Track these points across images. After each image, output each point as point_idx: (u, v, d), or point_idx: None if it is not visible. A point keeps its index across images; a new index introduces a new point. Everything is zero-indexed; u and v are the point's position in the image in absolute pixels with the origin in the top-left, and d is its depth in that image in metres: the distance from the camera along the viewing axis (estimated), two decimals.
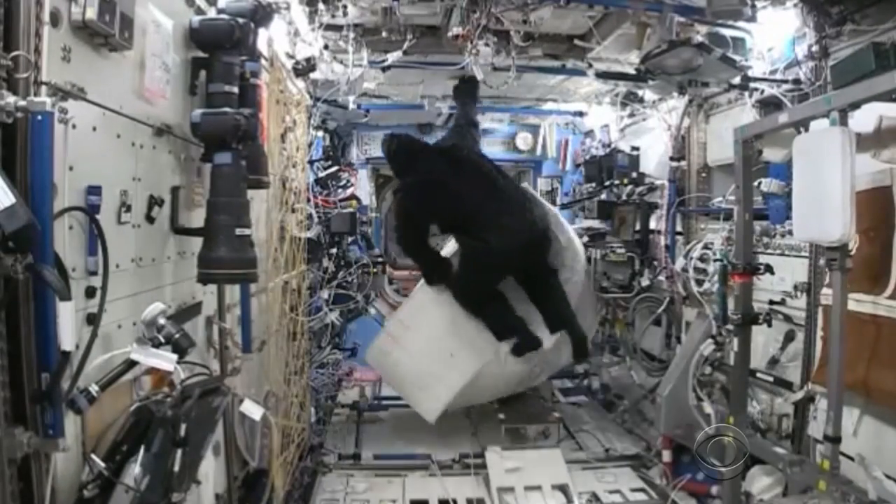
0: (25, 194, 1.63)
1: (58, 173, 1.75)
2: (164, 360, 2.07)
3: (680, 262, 5.10)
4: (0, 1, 1.63)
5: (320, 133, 6.14)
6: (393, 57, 4.62)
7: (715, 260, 4.58)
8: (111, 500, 1.91)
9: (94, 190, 1.99)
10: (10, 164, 1.63)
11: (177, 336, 2.19)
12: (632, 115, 6.24)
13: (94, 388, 1.86)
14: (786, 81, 4.03)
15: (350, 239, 6.41)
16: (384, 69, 4.78)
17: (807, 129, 3.20)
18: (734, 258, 3.69)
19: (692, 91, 4.73)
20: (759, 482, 3.81)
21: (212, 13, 2.85)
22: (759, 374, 4.11)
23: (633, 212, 5.96)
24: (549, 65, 5.06)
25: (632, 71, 4.62)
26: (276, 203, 3.83)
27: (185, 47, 2.71)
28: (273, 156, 3.59)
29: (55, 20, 1.77)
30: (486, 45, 4.18)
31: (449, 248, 5.03)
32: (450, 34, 3.97)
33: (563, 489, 4.49)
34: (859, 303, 3.11)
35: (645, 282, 5.76)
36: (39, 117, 1.63)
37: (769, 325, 3.84)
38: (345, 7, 4.08)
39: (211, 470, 2.85)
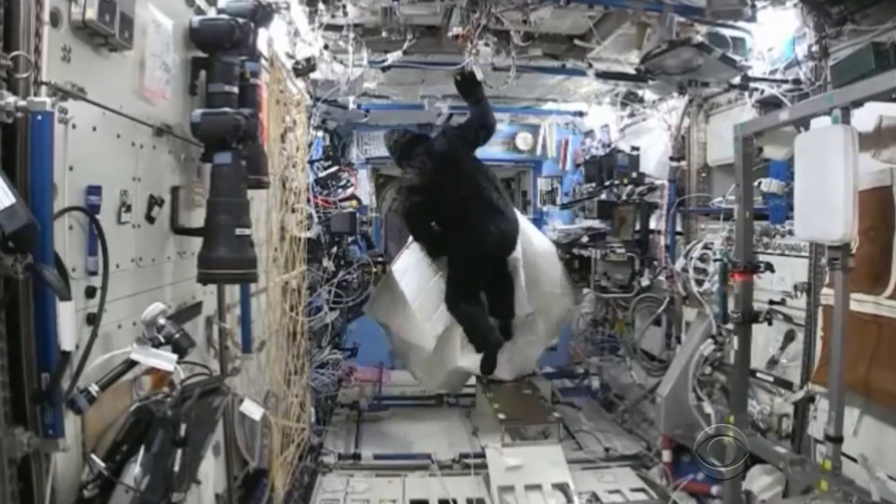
0: (25, 194, 1.63)
1: (58, 173, 1.75)
2: (164, 360, 2.07)
3: (680, 262, 5.10)
4: (0, 1, 1.63)
5: (320, 133, 6.14)
6: (393, 57, 4.62)
7: (715, 260, 4.58)
8: (111, 500, 1.91)
9: (94, 190, 1.99)
10: (10, 164, 1.63)
11: (177, 336, 2.19)
12: (632, 115, 6.25)
13: (94, 388, 1.86)
14: (786, 81, 4.03)
15: (350, 239, 6.41)
16: (384, 69, 4.78)
17: (807, 128, 3.19)
18: (734, 256, 3.69)
19: (692, 91, 4.73)
20: (760, 481, 3.81)
21: (212, 13, 2.85)
22: (759, 374, 4.11)
23: (633, 212, 5.96)
24: (549, 65, 5.06)
25: (632, 71, 4.62)
26: (276, 203, 3.83)
27: (185, 47, 2.71)
28: (273, 156, 3.59)
29: (55, 20, 1.77)
30: (486, 45, 4.18)
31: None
32: (450, 34, 3.97)
33: (563, 489, 4.49)
34: (860, 303, 3.11)
35: (645, 282, 5.76)
36: (39, 117, 1.63)
37: (769, 324, 3.84)
38: (344, 7, 4.08)
39: (211, 470, 2.85)
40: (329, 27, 4.28)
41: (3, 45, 1.64)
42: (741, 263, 3.55)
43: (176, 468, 2.03)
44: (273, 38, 3.48)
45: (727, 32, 4.01)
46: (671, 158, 5.44)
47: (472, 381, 6.51)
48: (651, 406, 5.70)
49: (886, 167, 3.09)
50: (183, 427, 2.04)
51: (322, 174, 5.89)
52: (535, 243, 5.91)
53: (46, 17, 1.73)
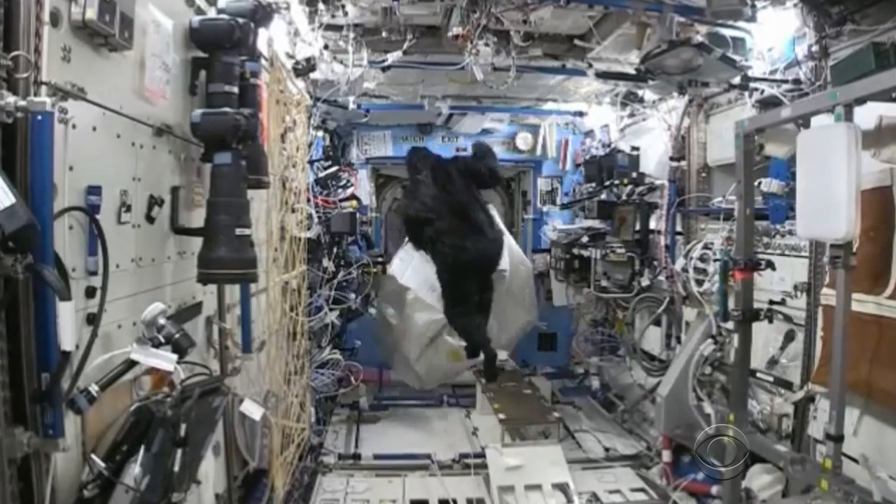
0: (25, 194, 1.63)
1: (58, 173, 1.75)
2: (164, 360, 2.07)
3: (680, 262, 5.10)
4: (0, 1, 1.63)
5: (320, 133, 6.14)
6: (393, 57, 4.63)
7: (715, 260, 4.59)
8: (111, 500, 1.91)
9: (94, 190, 1.99)
10: (10, 164, 1.63)
11: (177, 336, 2.19)
12: (632, 115, 6.24)
13: (94, 388, 1.86)
14: (786, 81, 4.03)
15: (350, 239, 6.41)
16: (384, 69, 4.79)
17: (808, 126, 3.19)
18: (735, 254, 3.68)
19: (692, 91, 4.73)
20: (760, 479, 3.81)
21: (212, 13, 2.85)
22: (759, 374, 4.11)
23: (633, 212, 5.95)
24: (549, 65, 5.06)
25: (632, 71, 4.62)
26: (276, 203, 3.83)
27: (185, 47, 2.71)
28: (273, 156, 3.59)
29: (55, 20, 1.77)
30: (486, 45, 4.18)
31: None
32: (450, 34, 3.96)
33: (563, 489, 4.49)
34: (861, 303, 3.10)
35: (645, 282, 5.76)
36: (39, 117, 1.63)
37: (770, 321, 3.84)
38: (343, 6, 4.08)
39: (211, 470, 2.85)
40: (329, 27, 4.28)
41: (3, 45, 1.64)
42: (742, 261, 3.54)
43: (176, 468, 2.03)
44: (273, 38, 3.48)
45: (727, 32, 4.01)
46: (671, 158, 5.44)
47: (472, 380, 6.53)
48: (651, 406, 5.70)
49: (886, 167, 3.09)
50: (183, 427, 2.05)
51: (322, 174, 5.88)
52: (515, 261, 6.44)
53: (46, 17, 1.73)
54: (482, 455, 4.82)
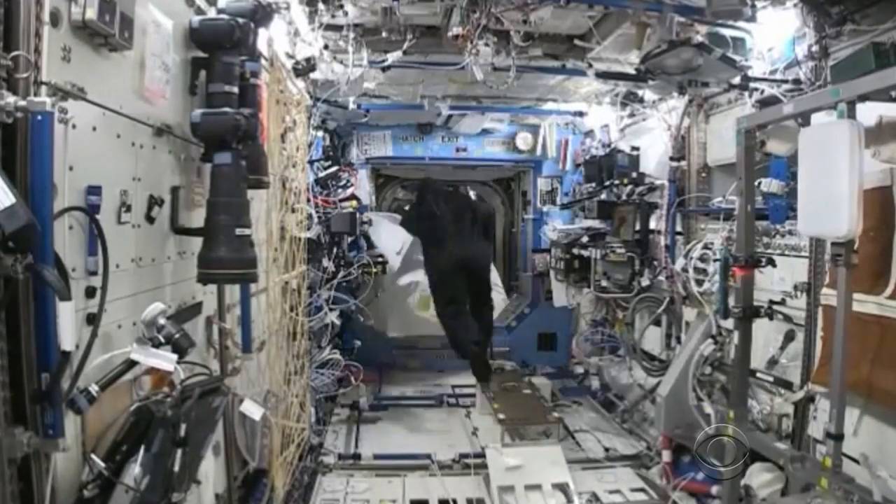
0: (25, 194, 1.63)
1: (58, 173, 1.75)
2: (164, 360, 2.07)
3: (680, 262, 5.10)
4: (1, 1, 1.63)
5: (320, 133, 6.14)
6: (393, 57, 4.63)
7: (715, 260, 4.59)
8: (111, 500, 1.91)
9: (94, 190, 1.99)
10: (10, 164, 1.63)
11: (177, 336, 2.19)
12: (632, 115, 6.24)
13: (94, 388, 1.86)
14: (786, 81, 4.03)
15: (350, 239, 6.41)
16: (384, 69, 4.79)
17: (807, 125, 3.18)
18: (736, 251, 3.68)
19: (692, 91, 4.73)
20: (759, 477, 3.81)
21: (212, 13, 2.85)
22: (759, 374, 4.11)
23: (633, 212, 5.96)
24: (549, 65, 5.06)
25: (632, 71, 4.62)
26: (276, 203, 3.83)
27: (185, 47, 2.71)
28: (273, 156, 3.59)
29: (55, 20, 1.77)
30: (486, 45, 4.17)
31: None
32: (450, 34, 3.96)
33: (563, 489, 4.48)
34: (862, 303, 3.10)
35: (645, 282, 5.77)
36: (39, 117, 1.63)
37: (770, 318, 3.83)
38: (341, 6, 4.08)
39: (211, 470, 2.85)
40: (329, 27, 4.28)
41: (3, 45, 1.63)
42: (742, 257, 3.54)
43: (176, 468, 2.03)
44: (273, 38, 3.48)
45: (727, 32, 4.01)
46: (671, 158, 5.44)
47: (472, 380, 6.54)
48: (651, 406, 5.70)
49: (887, 167, 3.09)
50: (183, 427, 2.04)
51: (322, 174, 5.89)
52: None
53: (46, 17, 1.73)
54: (482, 455, 4.82)
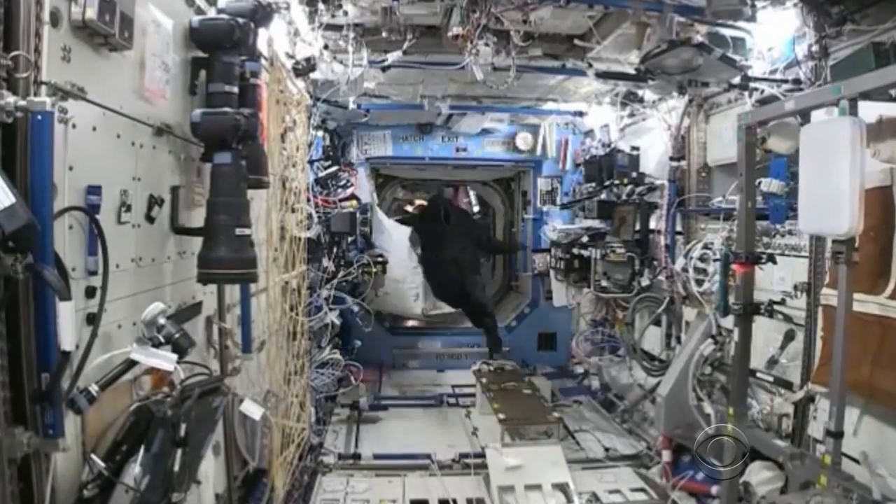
0: (25, 194, 1.63)
1: (58, 173, 1.75)
2: (164, 360, 2.07)
3: (680, 262, 5.10)
4: (1, 1, 1.63)
5: (320, 133, 6.14)
6: (393, 57, 4.62)
7: (715, 260, 4.59)
8: (111, 500, 1.91)
9: (94, 190, 1.99)
10: (10, 164, 1.63)
11: (177, 336, 2.19)
12: (632, 115, 6.24)
13: (94, 388, 1.86)
14: (786, 81, 4.03)
15: (350, 239, 6.41)
16: (384, 69, 4.78)
17: (808, 121, 3.18)
18: (736, 248, 3.68)
19: (692, 91, 4.73)
20: (759, 475, 3.80)
21: (212, 13, 2.85)
22: (759, 374, 4.11)
23: (633, 212, 5.95)
24: (549, 65, 5.06)
25: (632, 71, 4.62)
26: (276, 203, 3.83)
27: (185, 47, 2.71)
28: (273, 156, 3.59)
29: (55, 20, 1.78)
30: (486, 45, 4.17)
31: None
32: (450, 34, 3.96)
33: (563, 489, 4.48)
34: (863, 303, 3.10)
35: (645, 282, 5.76)
36: (39, 117, 1.63)
37: (770, 316, 3.82)
38: (341, 5, 4.08)
39: (211, 470, 2.85)
40: (329, 27, 4.28)
41: (3, 45, 1.64)
42: (743, 254, 3.53)
43: (176, 468, 2.03)
44: (273, 38, 3.48)
45: (727, 32, 4.01)
46: (671, 158, 5.44)
47: (472, 380, 6.54)
48: (651, 406, 5.70)
49: (887, 167, 3.09)
50: (183, 427, 2.05)
51: (322, 174, 5.89)
52: None
53: (46, 17, 1.73)
54: (482, 455, 4.82)
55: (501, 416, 5.37)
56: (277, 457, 3.77)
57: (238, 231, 2.57)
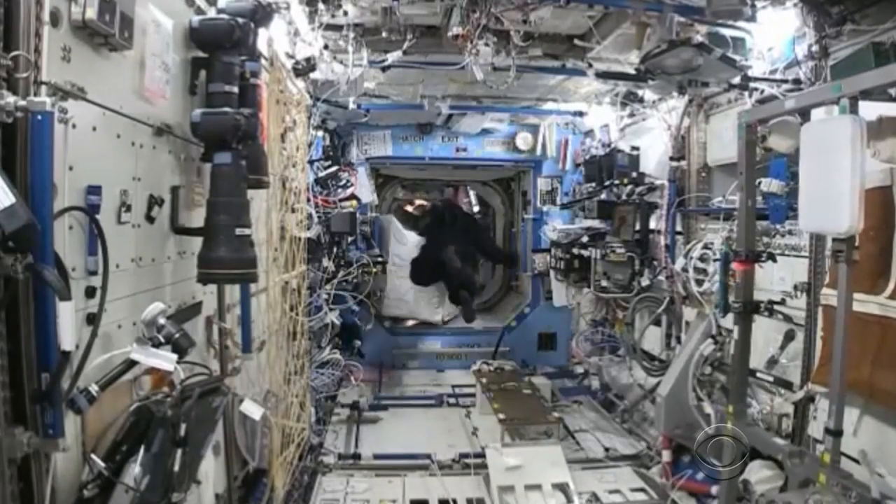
0: (25, 194, 1.63)
1: (58, 173, 1.75)
2: (164, 360, 2.07)
3: (680, 262, 5.10)
4: (1, 1, 1.63)
5: (320, 133, 6.14)
6: (393, 57, 4.62)
7: (715, 260, 4.59)
8: (111, 500, 1.91)
9: (94, 190, 1.99)
10: (10, 164, 1.63)
11: (177, 336, 2.19)
12: (632, 115, 6.24)
13: (94, 388, 1.86)
14: (786, 81, 4.03)
15: (350, 238, 6.42)
16: (384, 69, 4.78)
17: (809, 120, 3.17)
18: (736, 246, 3.68)
19: (692, 91, 4.72)
20: (759, 473, 3.80)
21: (212, 13, 2.85)
22: (759, 374, 4.11)
23: (633, 212, 5.95)
24: (549, 65, 5.06)
25: (632, 71, 4.62)
26: (276, 203, 3.83)
27: (185, 47, 2.71)
28: (273, 156, 3.59)
29: (55, 20, 1.78)
30: (486, 45, 4.17)
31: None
32: (450, 34, 3.96)
33: (563, 489, 4.48)
34: (863, 303, 3.10)
35: (645, 282, 5.76)
36: (39, 117, 1.63)
37: (770, 314, 3.81)
38: (340, 5, 4.08)
39: (211, 470, 2.85)
40: (329, 27, 4.28)
41: (3, 45, 1.64)
42: (743, 252, 3.53)
43: (176, 468, 2.03)
44: (273, 38, 3.48)
45: (727, 32, 4.00)
46: (671, 158, 5.44)
47: (472, 380, 6.54)
48: (651, 406, 5.70)
49: (887, 167, 3.09)
50: (183, 427, 2.05)
51: (322, 174, 5.89)
52: None
53: (46, 17, 1.73)
54: (482, 455, 4.81)
55: (501, 416, 5.37)
56: (277, 457, 3.77)
57: (238, 231, 2.57)
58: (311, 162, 5.51)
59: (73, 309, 1.71)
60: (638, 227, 5.89)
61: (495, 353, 7.68)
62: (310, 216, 5.04)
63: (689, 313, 5.21)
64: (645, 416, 5.88)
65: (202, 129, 2.62)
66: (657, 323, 5.69)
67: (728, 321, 4.25)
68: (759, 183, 3.93)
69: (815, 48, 3.71)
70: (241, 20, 2.71)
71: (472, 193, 10.62)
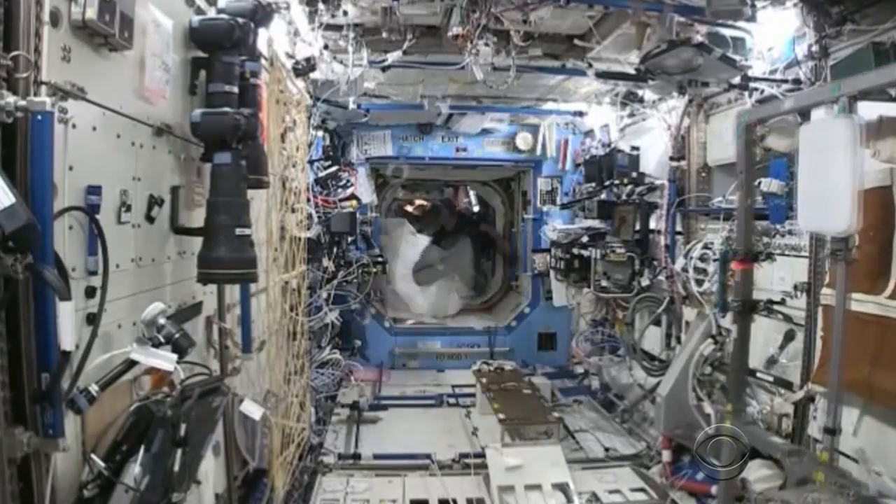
0: (25, 194, 1.63)
1: (58, 173, 1.76)
2: (164, 360, 2.07)
3: (680, 262, 5.10)
4: (1, 1, 1.63)
5: (320, 133, 6.14)
6: (393, 57, 4.63)
7: (715, 259, 4.59)
8: (111, 500, 1.91)
9: (94, 190, 1.99)
10: (10, 164, 1.63)
11: (177, 336, 2.19)
12: (632, 115, 6.24)
13: (94, 388, 1.86)
14: (785, 81, 4.03)
15: (350, 238, 6.41)
16: (384, 69, 4.79)
17: (808, 120, 3.17)
18: (735, 246, 3.68)
19: (692, 91, 4.72)
20: (758, 472, 3.80)
21: (212, 13, 2.85)
22: (758, 374, 4.11)
23: (633, 212, 5.95)
24: (549, 65, 5.06)
25: (632, 71, 4.62)
26: (276, 203, 3.83)
27: (185, 47, 2.71)
28: (273, 156, 3.59)
29: (55, 20, 1.78)
30: (486, 44, 4.17)
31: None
32: (450, 34, 3.96)
33: (563, 489, 4.48)
34: (863, 303, 3.10)
35: (645, 282, 5.76)
36: (39, 117, 1.63)
37: (770, 313, 3.81)
38: (339, 4, 4.08)
39: (211, 470, 2.85)
40: (329, 27, 4.28)
41: (3, 45, 1.64)
42: (742, 251, 3.53)
43: (176, 468, 2.03)
44: (273, 38, 3.48)
45: (727, 32, 4.01)
46: (671, 158, 5.44)
47: (472, 380, 6.54)
48: (651, 406, 5.70)
49: (886, 167, 3.09)
50: (183, 427, 2.05)
51: (322, 174, 5.89)
52: None
53: (46, 17, 1.73)
54: (482, 455, 4.81)
55: (501, 416, 5.37)
56: (277, 457, 3.77)
57: (238, 231, 2.57)
58: (311, 162, 5.51)
59: (73, 309, 1.71)
60: (638, 227, 5.89)
61: (491, 353, 7.72)
62: (310, 216, 5.04)
63: (689, 313, 5.21)
64: (645, 415, 5.88)
65: (202, 129, 2.62)
66: (657, 323, 5.69)
67: (728, 321, 4.25)
68: (759, 183, 3.94)
69: (814, 48, 3.71)
70: (241, 20, 2.71)
71: (472, 193, 10.62)
